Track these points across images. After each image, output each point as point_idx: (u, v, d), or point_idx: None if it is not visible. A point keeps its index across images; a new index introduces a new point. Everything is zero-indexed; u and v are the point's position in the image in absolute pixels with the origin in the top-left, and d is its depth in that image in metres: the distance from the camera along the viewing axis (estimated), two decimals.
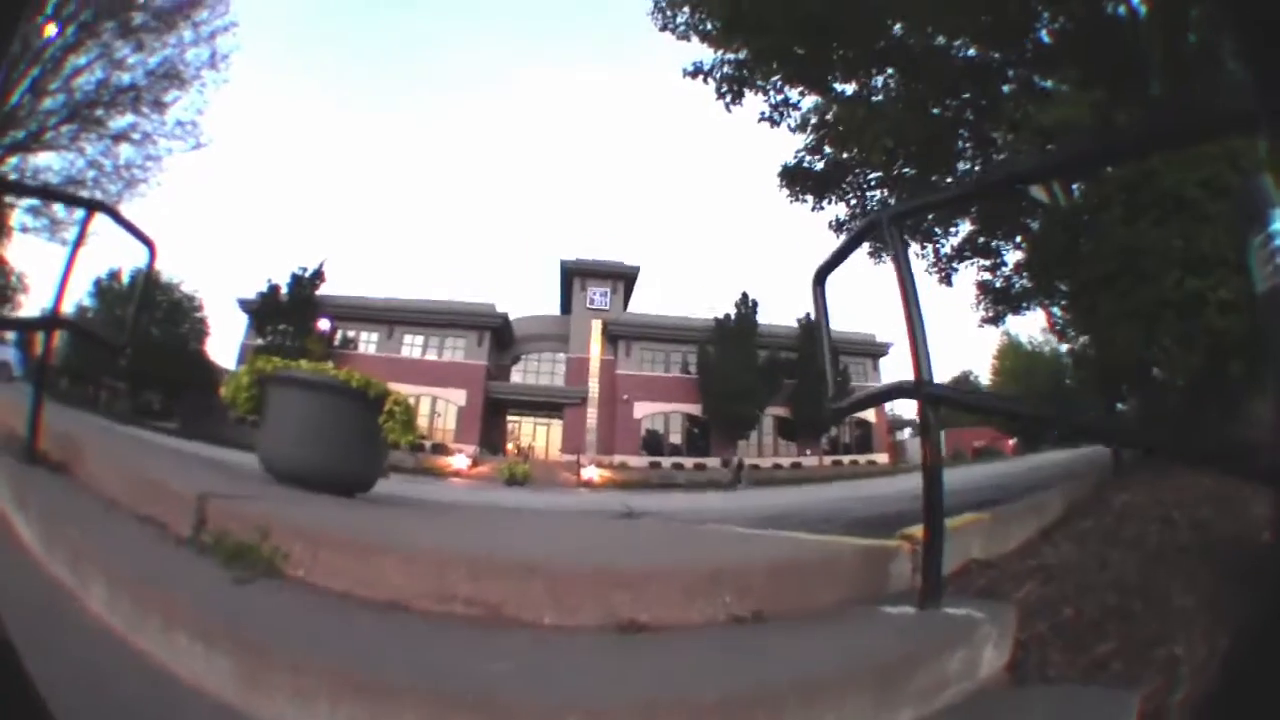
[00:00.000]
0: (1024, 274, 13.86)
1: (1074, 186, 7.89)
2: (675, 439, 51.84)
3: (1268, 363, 4.32)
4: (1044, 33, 11.16)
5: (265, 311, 46.91)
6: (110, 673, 2.10)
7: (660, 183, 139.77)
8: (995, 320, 15.85)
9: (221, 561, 2.81)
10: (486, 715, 1.79)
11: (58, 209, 23.81)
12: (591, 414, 51.62)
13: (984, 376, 66.63)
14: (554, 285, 61.72)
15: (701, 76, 13.23)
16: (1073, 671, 2.42)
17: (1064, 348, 14.72)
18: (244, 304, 49.57)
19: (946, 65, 11.72)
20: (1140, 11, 9.50)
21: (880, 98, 12.58)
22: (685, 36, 13.17)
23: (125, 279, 44.06)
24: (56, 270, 4.74)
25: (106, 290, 44.84)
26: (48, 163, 24.55)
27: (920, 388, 2.94)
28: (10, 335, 19.17)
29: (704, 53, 13.34)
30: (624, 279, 56.59)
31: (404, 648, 2.14)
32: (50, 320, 4.81)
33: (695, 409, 50.39)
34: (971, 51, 11.86)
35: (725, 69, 13.08)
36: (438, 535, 3.62)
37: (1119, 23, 9.86)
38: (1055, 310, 13.65)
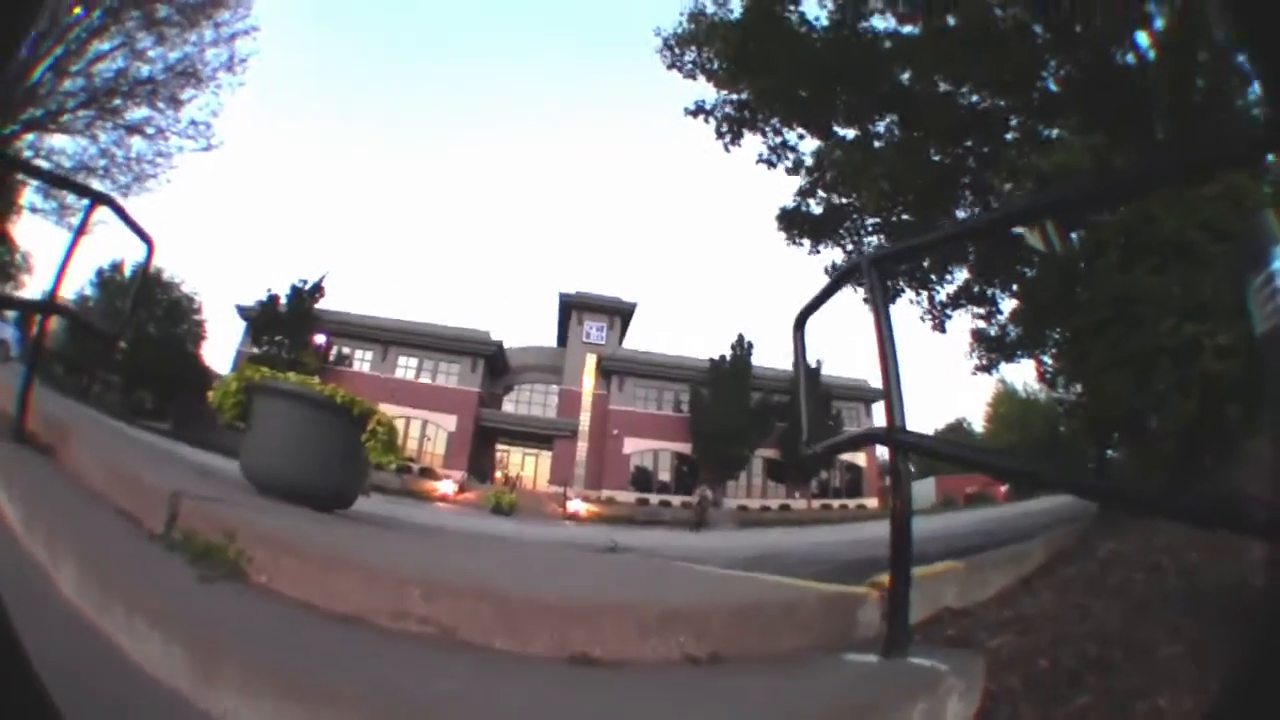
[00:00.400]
0: (1018, 323, 13.89)
1: (1071, 235, 7.92)
2: (664, 476, 51.68)
3: (1266, 405, 4.28)
4: (1051, 81, 11.30)
5: (263, 321, 46.71)
6: (72, 652, 2.16)
7: (663, 220, 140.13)
8: (989, 368, 15.80)
9: (189, 559, 2.84)
10: None
11: (68, 194, 23.59)
12: (581, 447, 51.51)
13: (978, 423, 66.50)
14: (551, 317, 61.57)
15: (703, 115, 13.37)
16: None
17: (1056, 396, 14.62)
18: (242, 311, 49.39)
19: (950, 112, 11.84)
20: (1149, 57, 9.61)
21: (881, 144, 12.69)
22: (692, 75, 13.37)
23: (128, 271, 43.94)
24: (58, 256, 4.81)
25: (108, 281, 44.86)
26: (63, 145, 24.64)
27: (892, 434, 2.92)
28: (10, 315, 19.13)
29: (707, 91, 13.50)
30: (621, 315, 56.69)
31: (354, 658, 2.14)
32: (46, 305, 4.85)
33: (685, 448, 50.26)
34: (976, 99, 12.00)
35: (727, 109, 13.23)
36: (406, 557, 3.60)
37: (1126, 70, 9.99)
38: (1046, 359, 13.73)
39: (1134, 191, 4.45)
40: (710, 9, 12.85)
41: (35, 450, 4.13)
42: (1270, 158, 5.87)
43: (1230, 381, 5.46)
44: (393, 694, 1.90)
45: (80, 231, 5.12)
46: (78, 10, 22.49)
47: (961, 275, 14.59)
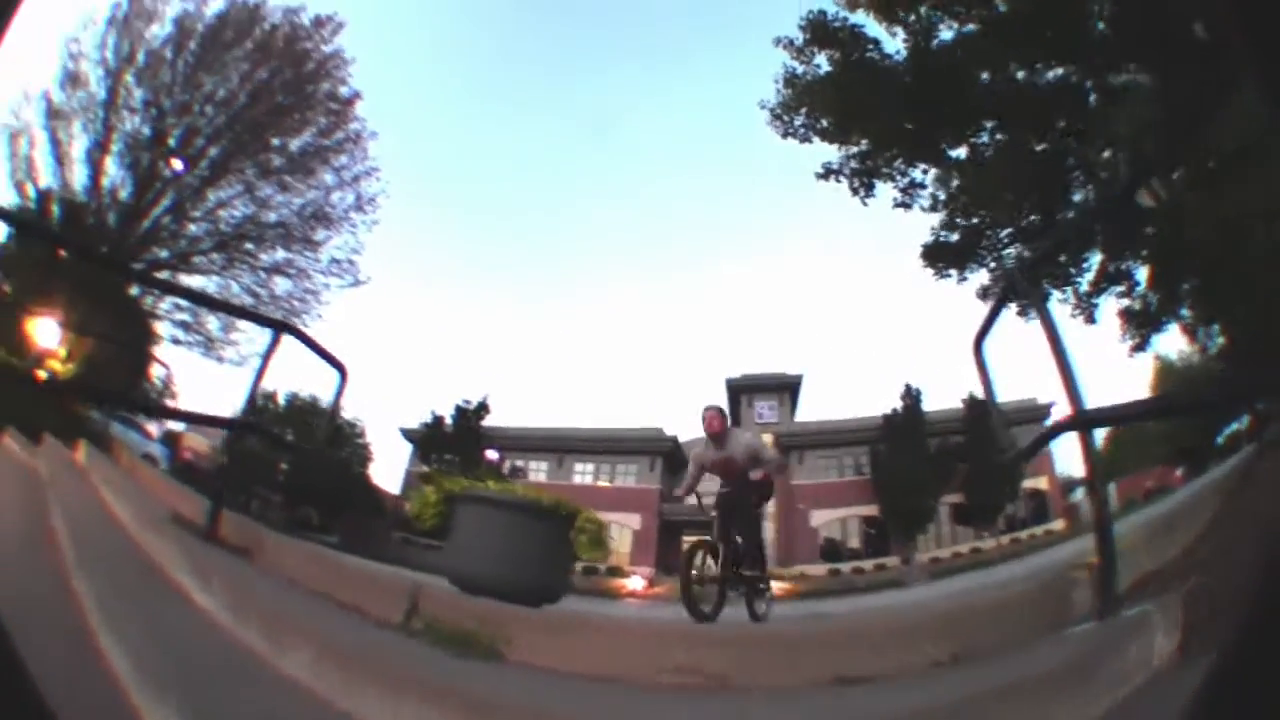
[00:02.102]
0: (1156, 288, 13.50)
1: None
2: (853, 544, 50.16)
3: None
4: (1100, 22, 11.35)
5: (430, 441, 47.03)
6: None
7: (812, 287, 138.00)
8: (1142, 346, 15.13)
9: (433, 642, 2.91)
10: None
11: (212, 327, 23.96)
12: (769, 528, 50.74)
13: None
14: (721, 404, 60.88)
15: (832, 176, 13.65)
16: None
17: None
18: (406, 433, 50.54)
19: (1034, 93, 12.00)
20: None
21: (990, 153, 12.77)
22: (806, 139, 13.70)
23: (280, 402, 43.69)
24: (242, 383, 5.14)
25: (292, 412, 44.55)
26: (201, 285, 23.90)
27: (1078, 417, 3.02)
28: (155, 431, 19.18)
29: (829, 152, 13.83)
30: (789, 389, 55.85)
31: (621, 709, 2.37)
32: (241, 422, 5.27)
33: (872, 509, 48.77)
34: (1047, 73, 12.17)
35: (851, 163, 13.50)
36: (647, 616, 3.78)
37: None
38: (1183, 311, 13.36)
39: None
40: (800, 70, 13.36)
41: (229, 551, 4.27)
42: None
43: None
44: None
45: (267, 360, 5.24)
46: (177, 163, 22.97)
47: (1097, 260, 14.24)
